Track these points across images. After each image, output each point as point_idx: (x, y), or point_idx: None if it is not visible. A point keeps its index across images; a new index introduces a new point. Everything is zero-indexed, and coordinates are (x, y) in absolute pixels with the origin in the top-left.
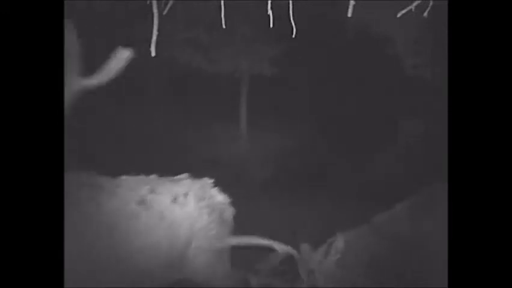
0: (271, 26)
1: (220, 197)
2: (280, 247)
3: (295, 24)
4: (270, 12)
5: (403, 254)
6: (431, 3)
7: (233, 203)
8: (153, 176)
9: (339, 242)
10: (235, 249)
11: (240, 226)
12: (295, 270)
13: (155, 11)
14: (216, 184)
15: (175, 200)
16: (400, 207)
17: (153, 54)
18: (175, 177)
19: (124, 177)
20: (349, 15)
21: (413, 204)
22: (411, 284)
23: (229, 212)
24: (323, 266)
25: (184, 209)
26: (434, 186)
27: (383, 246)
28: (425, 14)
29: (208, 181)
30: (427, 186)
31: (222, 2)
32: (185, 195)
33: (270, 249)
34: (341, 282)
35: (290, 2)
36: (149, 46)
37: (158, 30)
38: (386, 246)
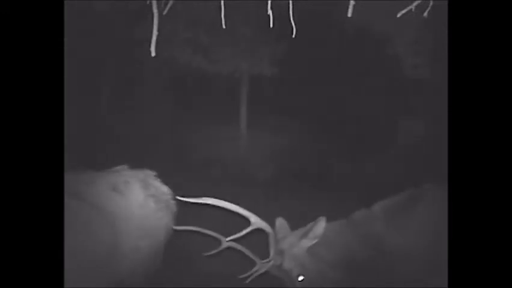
0: (271, 26)
1: (164, 188)
2: (255, 221)
3: (295, 24)
4: (270, 12)
5: (382, 255)
6: (431, 3)
7: (233, 203)
8: (90, 170)
9: (319, 225)
10: (213, 209)
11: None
12: (267, 245)
13: (155, 11)
14: (158, 176)
15: (114, 188)
16: (380, 207)
17: (153, 54)
18: (113, 168)
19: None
20: (349, 15)
21: (393, 205)
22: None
23: (173, 205)
24: (295, 249)
25: (127, 196)
26: (421, 187)
27: (360, 244)
28: (425, 14)
29: (150, 172)
30: (411, 187)
31: (222, 2)
32: (126, 183)
33: (247, 220)
34: (308, 272)
35: (290, 2)
36: (149, 46)
37: (158, 30)
38: (364, 245)
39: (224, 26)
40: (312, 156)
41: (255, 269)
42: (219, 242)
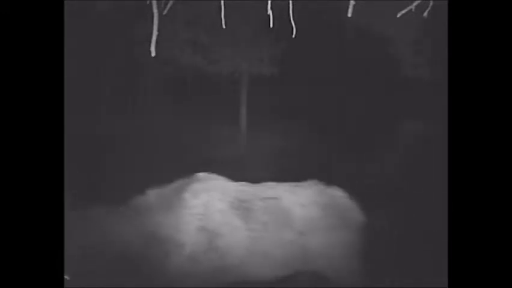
0: (271, 26)
1: None
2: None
3: (295, 24)
4: (270, 12)
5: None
6: (431, 3)
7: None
8: None
9: None
10: None
11: None
12: None
13: (155, 11)
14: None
15: None
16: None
17: (153, 54)
18: None
19: None
20: (349, 15)
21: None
22: None
23: None
24: None
25: None
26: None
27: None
28: (425, 14)
29: None
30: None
31: (222, 2)
32: None
33: None
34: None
35: (290, 2)
36: (149, 46)
37: (158, 30)
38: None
39: (224, 26)
40: (312, 156)
41: None
42: None
